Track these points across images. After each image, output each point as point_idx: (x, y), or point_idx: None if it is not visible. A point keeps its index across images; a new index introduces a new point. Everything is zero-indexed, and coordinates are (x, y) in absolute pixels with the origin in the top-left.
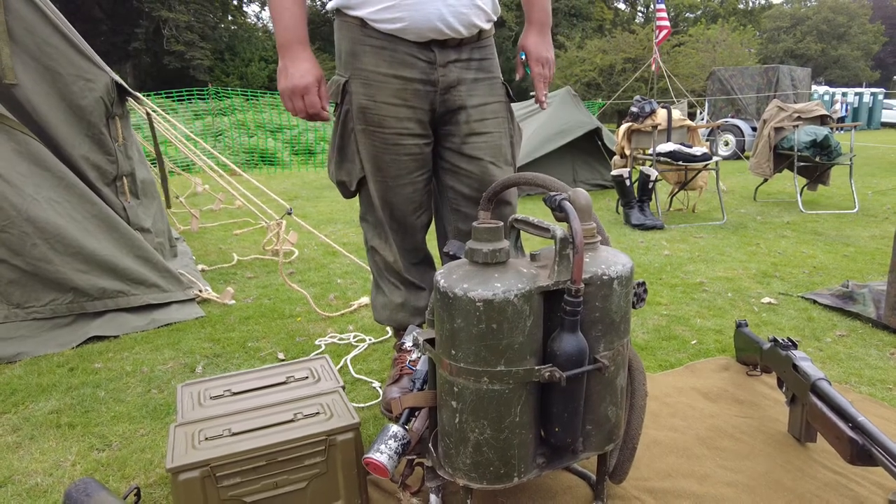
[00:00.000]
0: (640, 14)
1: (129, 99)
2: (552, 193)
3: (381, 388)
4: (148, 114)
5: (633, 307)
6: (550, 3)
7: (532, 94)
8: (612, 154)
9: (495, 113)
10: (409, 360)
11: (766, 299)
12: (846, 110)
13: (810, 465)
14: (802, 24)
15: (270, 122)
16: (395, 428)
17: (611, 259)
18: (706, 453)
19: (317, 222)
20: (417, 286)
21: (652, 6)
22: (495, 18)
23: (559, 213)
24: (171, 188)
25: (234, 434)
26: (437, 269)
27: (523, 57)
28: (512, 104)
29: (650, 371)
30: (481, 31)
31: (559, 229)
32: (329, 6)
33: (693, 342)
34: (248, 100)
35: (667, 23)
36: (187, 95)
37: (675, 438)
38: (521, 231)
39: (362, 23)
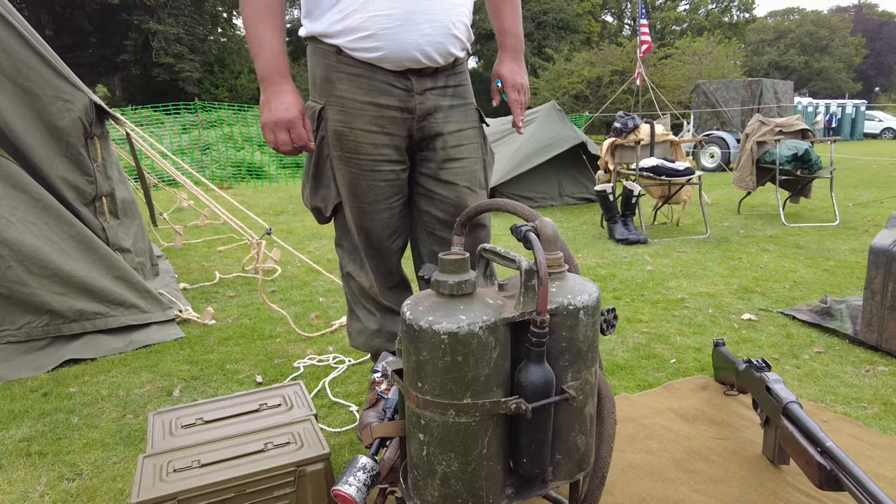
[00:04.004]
0: (626, 26)
1: (109, 118)
2: (518, 224)
3: (358, 411)
4: (127, 133)
5: (603, 334)
6: (523, 30)
7: (509, 116)
8: (597, 168)
9: (470, 139)
10: (381, 390)
11: (747, 316)
12: (835, 122)
13: (783, 488)
14: (786, 36)
15: (258, 136)
16: (364, 459)
17: (577, 288)
18: (681, 477)
19: (302, 238)
20: (393, 311)
21: (638, 20)
22: (468, 46)
23: (525, 244)
24: (155, 205)
25: (203, 465)
26: (414, 292)
27: (499, 84)
28: (491, 120)
29: (628, 391)
30: (456, 59)
31: (525, 260)
32: (302, 33)
33: (672, 361)
34: (235, 113)
35: (648, 38)
36: (174, 109)
37: (650, 462)
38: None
39: (338, 50)
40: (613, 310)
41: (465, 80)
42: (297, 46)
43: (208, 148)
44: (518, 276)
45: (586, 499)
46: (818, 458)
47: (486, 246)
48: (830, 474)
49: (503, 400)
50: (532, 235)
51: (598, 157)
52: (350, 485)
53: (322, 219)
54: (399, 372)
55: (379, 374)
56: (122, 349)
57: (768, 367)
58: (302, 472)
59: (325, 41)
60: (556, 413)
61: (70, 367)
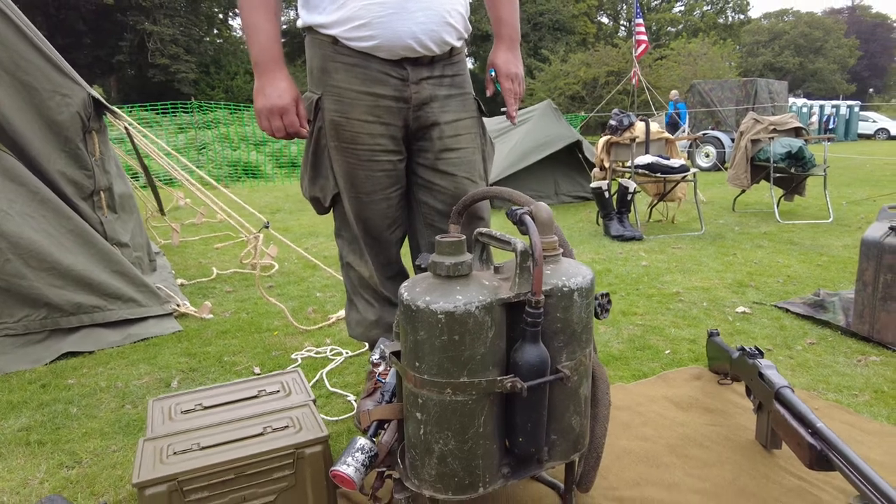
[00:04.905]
0: (622, 28)
1: (107, 113)
2: (514, 208)
3: (356, 401)
4: (126, 128)
5: (597, 317)
6: (519, 21)
7: (503, 109)
8: (592, 166)
9: (468, 129)
10: (378, 373)
11: (741, 308)
12: (833, 122)
13: (776, 471)
14: (780, 38)
15: (254, 136)
16: (362, 440)
17: (571, 271)
18: (675, 462)
19: (298, 235)
20: (392, 302)
21: (633, 20)
22: (466, 36)
23: (521, 226)
24: (154, 201)
25: (203, 448)
26: None
27: (493, 74)
28: (486, 119)
29: (624, 381)
30: (453, 49)
31: (520, 242)
32: (299, 24)
33: (667, 352)
34: (231, 113)
35: (645, 37)
36: (171, 109)
37: (645, 447)
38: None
39: (334, 40)
40: (607, 294)
41: (463, 69)
42: (293, 47)
43: (204, 147)
44: (513, 259)
45: (581, 480)
46: (809, 438)
47: (482, 230)
48: (821, 454)
49: (499, 379)
50: (527, 218)
51: (594, 157)
52: (348, 465)
53: (321, 209)
54: (397, 354)
55: (377, 357)
56: (119, 342)
57: (761, 355)
58: (301, 455)
59: (322, 31)
60: (552, 393)
61: (68, 359)
